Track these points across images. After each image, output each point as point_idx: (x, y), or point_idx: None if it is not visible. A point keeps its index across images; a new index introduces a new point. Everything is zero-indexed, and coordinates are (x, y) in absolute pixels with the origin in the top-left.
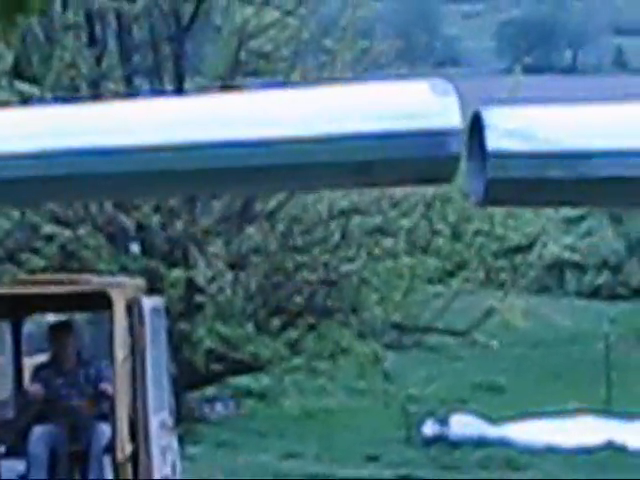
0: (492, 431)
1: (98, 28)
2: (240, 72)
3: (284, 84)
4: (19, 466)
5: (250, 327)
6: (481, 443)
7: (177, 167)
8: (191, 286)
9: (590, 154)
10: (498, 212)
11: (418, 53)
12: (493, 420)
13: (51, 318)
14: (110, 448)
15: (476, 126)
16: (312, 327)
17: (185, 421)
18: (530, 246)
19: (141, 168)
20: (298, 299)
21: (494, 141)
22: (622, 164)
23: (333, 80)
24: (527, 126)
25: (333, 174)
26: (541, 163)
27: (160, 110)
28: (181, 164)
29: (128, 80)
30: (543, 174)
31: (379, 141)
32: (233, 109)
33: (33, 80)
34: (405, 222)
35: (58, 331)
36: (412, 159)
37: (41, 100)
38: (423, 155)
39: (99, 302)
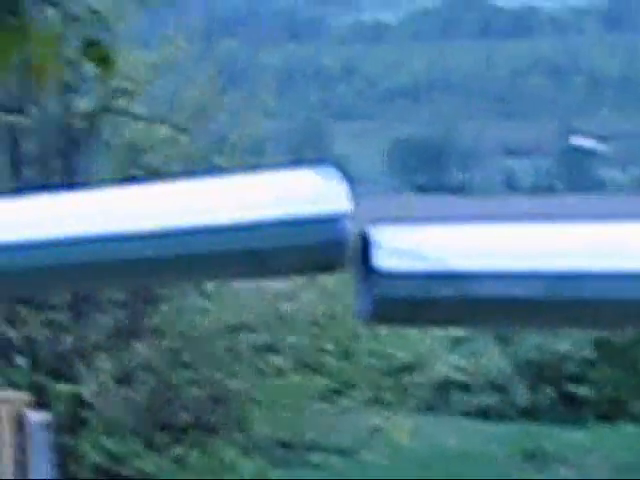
0: None
1: None
2: None
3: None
4: None
5: (136, 442)
6: None
7: (69, 261)
8: (77, 400)
9: (479, 274)
10: (386, 331)
11: None
12: None
13: None
14: None
15: (363, 244)
16: (198, 443)
17: None
18: (417, 365)
19: (29, 264)
20: (185, 415)
21: (382, 260)
22: (511, 285)
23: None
24: (415, 245)
25: (225, 264)
26: (429, 282)
27: (51, 205)
28: (72, 258)
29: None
30: (431, 293)
31: (269, 229)
32: (124, 202)
33: None
34: (293, 340)
35: None
36: (304, 246)
37: None
38: (315, 241)
39: None
